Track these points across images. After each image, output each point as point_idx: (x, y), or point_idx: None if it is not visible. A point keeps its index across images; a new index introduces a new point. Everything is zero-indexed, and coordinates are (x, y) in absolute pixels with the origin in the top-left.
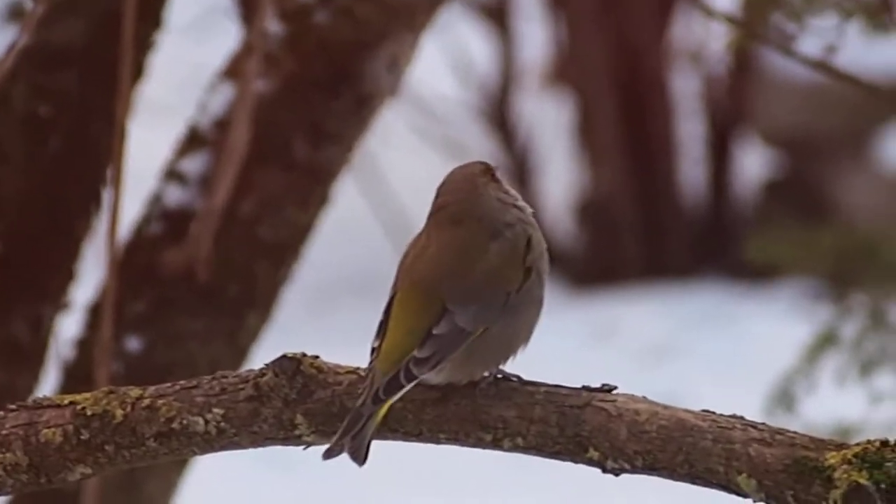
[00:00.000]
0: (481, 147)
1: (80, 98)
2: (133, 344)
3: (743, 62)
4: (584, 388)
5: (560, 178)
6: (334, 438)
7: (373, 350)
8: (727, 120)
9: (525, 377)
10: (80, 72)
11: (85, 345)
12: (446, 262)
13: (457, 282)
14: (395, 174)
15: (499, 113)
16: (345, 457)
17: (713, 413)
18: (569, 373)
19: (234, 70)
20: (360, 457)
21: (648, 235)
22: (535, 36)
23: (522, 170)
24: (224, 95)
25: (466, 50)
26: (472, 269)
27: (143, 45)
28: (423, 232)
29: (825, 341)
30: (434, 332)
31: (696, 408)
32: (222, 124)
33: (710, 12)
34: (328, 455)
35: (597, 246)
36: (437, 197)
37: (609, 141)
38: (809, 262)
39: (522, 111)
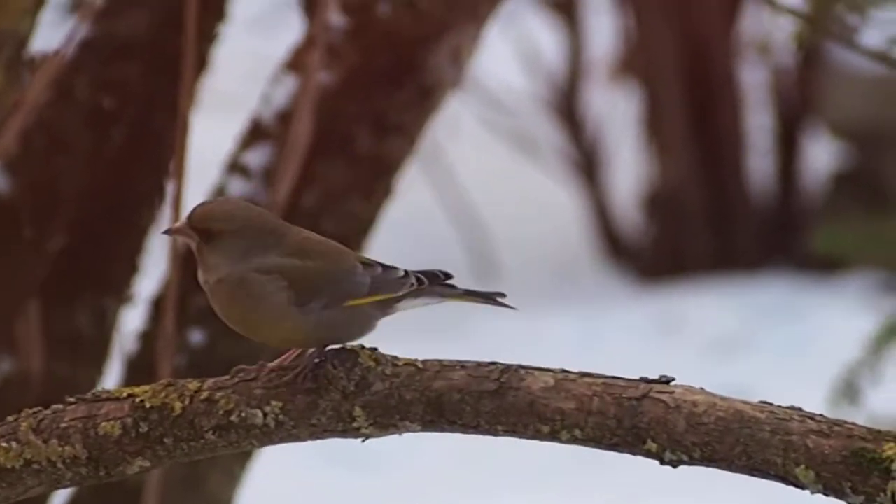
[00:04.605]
0: (549, 139)
1: (144, 90)
2: (196, 337)
3: (811, 54)
4: (642, 379)
5: (628, 171)
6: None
7: None
8: (795, 112)
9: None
10: (144, 64)
11: (148, 338)
12: None
13: None
14: (463, 166)
15: (567, 105)
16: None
17: (771, 404)
18: (636, 366)
19: (296, 62)
20: None
21: (716, 228)
22: (603, 28)
23: (590, 162)
24: (287, 88)
25: (534, 42)
26: None
27: (207, 37)
28: None
29: (890, 333)
30: None
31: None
32: (285, 117)
33: (773, 5)
34: None
35: (664, 238)
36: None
37: (677, 133)
38: (877, 255)
39: (590, 103)
